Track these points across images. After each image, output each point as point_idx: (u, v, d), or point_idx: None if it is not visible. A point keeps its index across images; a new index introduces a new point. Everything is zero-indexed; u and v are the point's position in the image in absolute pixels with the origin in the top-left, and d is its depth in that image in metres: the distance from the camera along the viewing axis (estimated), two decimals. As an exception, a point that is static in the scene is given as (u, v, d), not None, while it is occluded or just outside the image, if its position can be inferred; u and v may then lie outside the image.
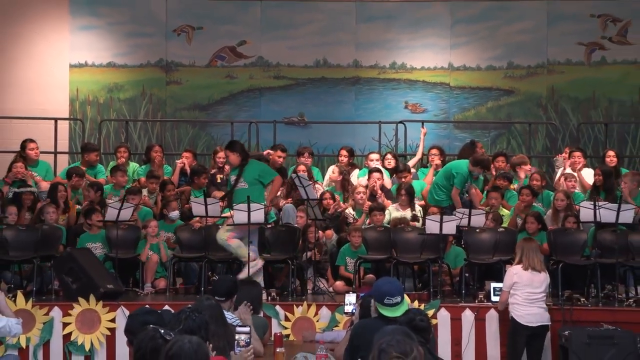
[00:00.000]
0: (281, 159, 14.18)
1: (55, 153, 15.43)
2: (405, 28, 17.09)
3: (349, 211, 13.51)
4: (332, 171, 14.25)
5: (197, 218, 13.12)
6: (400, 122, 15.91)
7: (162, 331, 5.62)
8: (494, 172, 13.89)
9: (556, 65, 16.87)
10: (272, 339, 9.14)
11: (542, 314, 10.94)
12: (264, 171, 12.13)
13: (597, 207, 12.21)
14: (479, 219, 12.50)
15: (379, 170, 13.78)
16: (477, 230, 12.50)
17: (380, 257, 12.45)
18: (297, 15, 17.16)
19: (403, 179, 13.68)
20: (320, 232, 12.96)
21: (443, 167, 13.54)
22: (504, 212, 13.21)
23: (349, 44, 17.07)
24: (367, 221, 13.00)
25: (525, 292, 10.87)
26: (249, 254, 11.50)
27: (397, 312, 7.24)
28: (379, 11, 17.14)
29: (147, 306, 10.05)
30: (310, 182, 12.89)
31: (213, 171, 14.07)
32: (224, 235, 11.82)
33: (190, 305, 7.48)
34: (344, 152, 14.33)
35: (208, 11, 16.99)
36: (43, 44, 16.82)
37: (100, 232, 12.68)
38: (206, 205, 12.66)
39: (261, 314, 9.96)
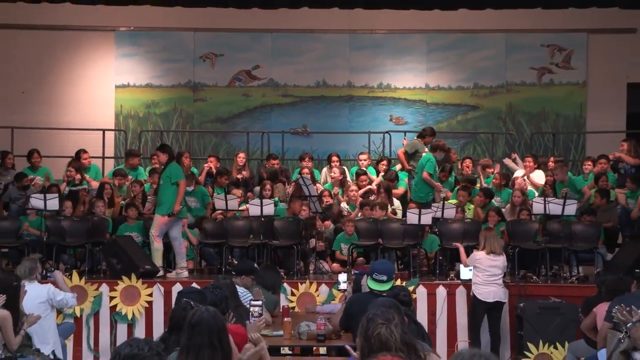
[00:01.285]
0: (275, 164, 14.27)
1: (103, 158, 15.48)
2: (390, 55, 17.09)
3: (344, 205, 13.56)
4: (323, 173, 14.42)
5: (219, 211, 13.16)
6: (386, 132, 15.96)
7: (193, 304, 5.67)
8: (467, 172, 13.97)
9: (513, 86, 16.88)
10: (281, 311, 9.19)
11: (498, 291, 10.97)
12: (173, 172, 11.82)
13: (546, 202, 12.30)
14: (450, 212, 12.56)
15: (365, 173, 13.84)
16: (449, 221, 12.56)
17: (370, 243, 12.45)
18: (301, 45, 17.17)
19: (390, 183, 13.73)
20: (319, 222, 13.03)
21: (417, 167, 13.49)
22: (470, 206, 13.28)
23: (343, 68, 17.08)
24: (360, 213, 13.04)
25: (485, 274, 10.93)
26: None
27: (382, 288, 7.32)
28: (369, 41, 17.15)
29: (186, 285, 10.06)
30: (312, 182, 12.98)
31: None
32: (152, 229, 11.80)
33: (212, 283, 7.56)
34: (335, 158, 14.36)
35: (228, 41, 17.00)
36: (93, 68, 16.85)
37: (136, 223, 12.70)
38: (226, 200, 12.73)
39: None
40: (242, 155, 14.49)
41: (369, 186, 13.64)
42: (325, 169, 14.60)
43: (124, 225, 12.69)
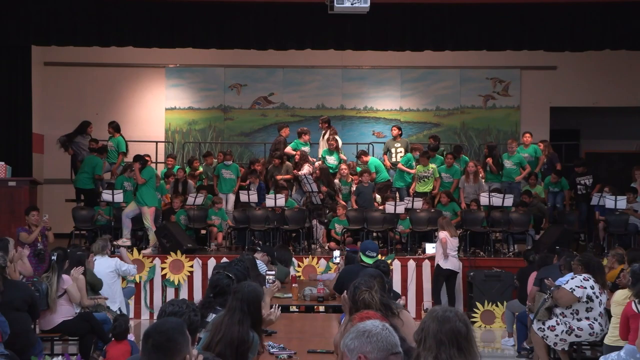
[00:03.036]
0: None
1: (156, 163, 15.45)
2: (373, 85, 17.07)
3: (336, 181, 13.51)
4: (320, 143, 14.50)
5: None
6: (370, 143, 15.95)
7: (226, 273, 5.72)
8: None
9: (466, 108, 16.88)
10: (290, 279, 9.22)
11: (454, 263, 11.04)
12: (148, 173, 12.01)
13: (490, 196, 12.37)
14: (418, 204, 12.62)
15: (356, 173, 13.83)
16: (417, 210, 12.60)
17: (357, 227, 12.51)
18: (305, 77, 17.15)
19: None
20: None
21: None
22: (432, 166, 13.29)
23: (337, 95, 17.07)
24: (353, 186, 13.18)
25: (447, 250, 10.98)
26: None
27: (371, 261, 7.38)
28: (356, 74, 17.14)
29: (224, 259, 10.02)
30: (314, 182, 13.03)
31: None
32: (148, 222, 11.84)
33: (238, 257, 7.61)
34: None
35: (250, 74, 16.98)
36: (149, 95, 16.88)
37: (180, 210, 12.83)
38: (249, 195, 12.79)
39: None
40: (261, 160, 14.57)
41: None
42: (321, 139, 14.53)
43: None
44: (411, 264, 11.50)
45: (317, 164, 13.69)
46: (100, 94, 16.22)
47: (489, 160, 13.37)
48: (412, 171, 13.35)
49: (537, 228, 13.02)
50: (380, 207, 12.97)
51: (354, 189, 13.20)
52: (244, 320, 4.69)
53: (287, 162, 13.82)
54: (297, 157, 13.66)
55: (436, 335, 3.34)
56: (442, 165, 13.54)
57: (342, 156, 14.06)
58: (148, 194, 11.88)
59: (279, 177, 13.37)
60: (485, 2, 12.44)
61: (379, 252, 11.53)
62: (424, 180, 13.18)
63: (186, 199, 12.87)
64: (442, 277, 11.06)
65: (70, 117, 14.84)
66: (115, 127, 14.02)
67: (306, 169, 13.22)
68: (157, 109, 16.76)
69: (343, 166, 13.56)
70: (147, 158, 13.80)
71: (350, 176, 13.44)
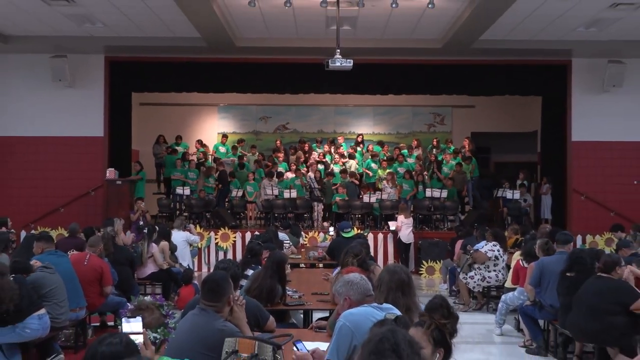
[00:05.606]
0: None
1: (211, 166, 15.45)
2: (355, 117, 17.04)
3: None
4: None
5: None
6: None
7: (257, 241, 5.78)
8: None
9: (416, 133, 16.84)
10: (299, 245, 9.25)
11: (410, 236, 11.07)
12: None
13: (432, 191, 12.42)
14: (385, 195, 12.63)
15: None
16: (386, 201, 12.59)
17: (345, 212, 12.50)
18: (310, 112, 17.09)
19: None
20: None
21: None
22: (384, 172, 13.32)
23: (331, 123, 17.04)
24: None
25: (403, 227, 11.02)
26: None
27: (349, 235, 7.44)
28: (344, 110, 17.07)
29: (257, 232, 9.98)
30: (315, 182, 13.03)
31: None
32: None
33: (265, 230, 7.63)
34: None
35: (273, 110, 16.96)
36: (206, 124, 16.91)
37: (231, 198, 12.80)
38: (272, 189, 12.78)
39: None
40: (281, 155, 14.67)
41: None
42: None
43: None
44: (380, 236, 11.54)
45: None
46: (175, 123, 16.26)
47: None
48: (370, 173, 13.54)
49: (463, 211, 13.10)
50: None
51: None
52: (274, 276, 4.76)
53: (299, 152, 14.41)
54: (306, 146, 14.48)
55: (388, 283, 3.43)
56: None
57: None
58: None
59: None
60: (429, 63, 12.54)
61: (359, 227, 11.73)
62: (381, 181, 13.23)
63: (230, 182, 13.04)
64: (402, 245, 11.12)
65: (155, 139, 14.95)
66: (180, 138, 14.69)
67: (313, 158, 13.84)
68: (211, 133, 16.75)
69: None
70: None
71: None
